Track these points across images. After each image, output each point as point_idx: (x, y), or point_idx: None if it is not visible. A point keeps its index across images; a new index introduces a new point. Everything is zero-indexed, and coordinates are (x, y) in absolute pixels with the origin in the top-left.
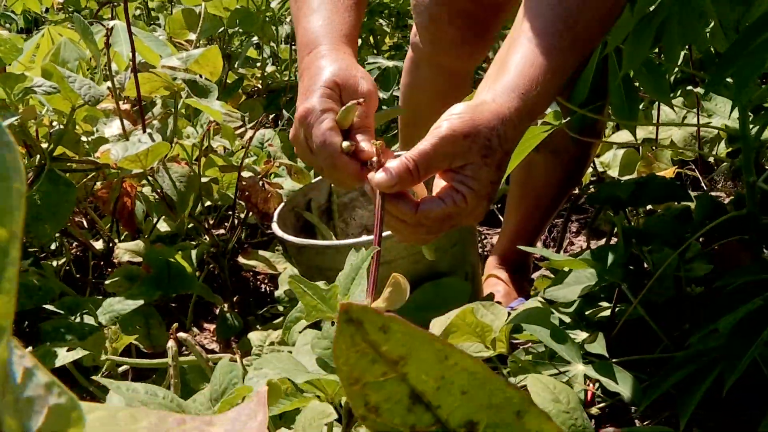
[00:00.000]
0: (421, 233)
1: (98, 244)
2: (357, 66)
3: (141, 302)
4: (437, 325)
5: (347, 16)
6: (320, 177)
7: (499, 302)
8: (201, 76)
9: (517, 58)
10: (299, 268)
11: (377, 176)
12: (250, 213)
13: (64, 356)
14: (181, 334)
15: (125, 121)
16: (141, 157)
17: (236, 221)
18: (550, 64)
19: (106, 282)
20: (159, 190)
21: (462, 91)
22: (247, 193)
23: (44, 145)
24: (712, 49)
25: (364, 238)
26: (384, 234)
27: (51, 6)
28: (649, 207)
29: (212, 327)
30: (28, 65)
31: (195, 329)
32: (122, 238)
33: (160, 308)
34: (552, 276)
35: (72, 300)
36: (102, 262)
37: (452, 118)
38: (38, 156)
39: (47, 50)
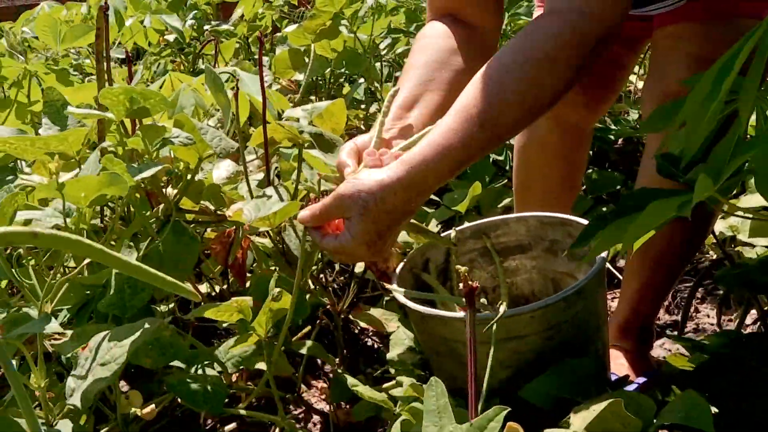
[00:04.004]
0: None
1: (203, 287)
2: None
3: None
4: (580, 417)
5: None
6: (441, 235)
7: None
8: None
9: (429, 135)
10: (420, 336)
11: (300, 213)
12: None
13: None
14: None
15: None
16: (270, 217)
17: (352, 277)
18: (451, 147)
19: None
20: (282, 248)
21: (580, 152)
22: None
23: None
24: None
25: (494, 313)
26: (519, 309)
27: (156, 42)
28: None
29: (320, 384)
30: None
31: (303, 386)
32: (230, 281)
33: None
34: (682, 349)
35: (191, 352)
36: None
37: (346, 183)
38: (162, 206)
39: (168, 95)
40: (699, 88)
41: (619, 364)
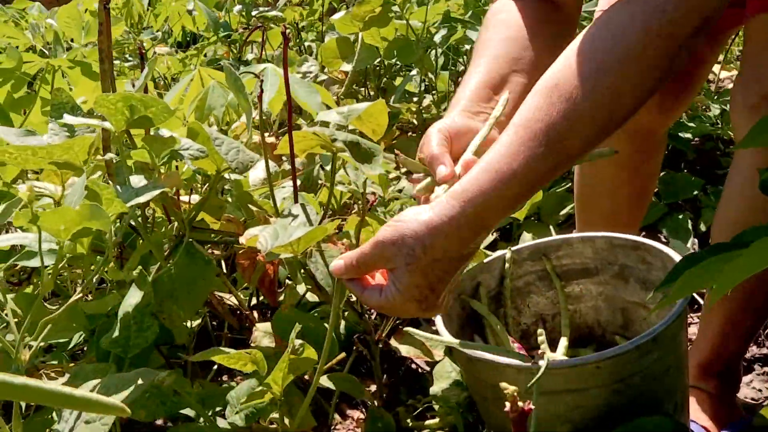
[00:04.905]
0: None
1: (234, 298)
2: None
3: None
4: None
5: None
6: (494, 256)
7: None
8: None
9: (484, 159)
10: (467, 378)
11: (333, 263)
12: None
13: None
14: None
15: (271, 163)
16: (293, 244)
17: None
18: (513, 173)
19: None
20: (311, 273)
21: (653, 161)
22: None
23: (186, 198)
24: None
25: (553, 362)
26: (582, 359)
27: (205, 27)
28: None
29: (356, 415)
30: (176, 109)
31: (337, 416)
32: (260, 298)
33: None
34: None
35: (198, 397)
36: (239, 312)
37: (386, 227)
38: (177, 224)
39: (196, 93)
40: None
41: (698, 411)
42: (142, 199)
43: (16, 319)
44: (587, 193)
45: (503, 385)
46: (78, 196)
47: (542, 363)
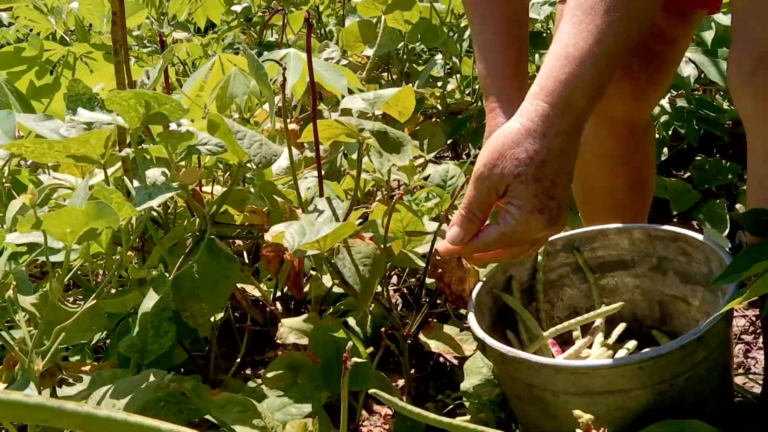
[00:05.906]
0: (505, 254)
1: (257, 290)
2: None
3: (308, 408)
4: None
5: (507, 56)
6: None
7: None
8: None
9: (551, 50)
10: (501, 376)
11: (448, 234)
12: (442, 293)
13: None
14: None
15: (294, 151)
16: (320, 241)
17: (422, 288)
18: (587, 52)
19: (267, 375)
20: (338, 269)
21: (642, 150)
22: (440, 271)
23: (209, 188)
24: None
25: (593, 362)
26: (624, 359)
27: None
28: None
29: (383, 411)
30: (197, 96)
31: (364, 412)
32: (284, 290)
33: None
34: None
35: (217, 403)
36: (261, 303)
37: (482, 152)
38: (198, 219)
39: (217, 80)
40: None
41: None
42: (154, 203)
43: (30, 328)
44: (585, 191)
45: (577, 413)
46: (82, 198)
47: (582, 363)
